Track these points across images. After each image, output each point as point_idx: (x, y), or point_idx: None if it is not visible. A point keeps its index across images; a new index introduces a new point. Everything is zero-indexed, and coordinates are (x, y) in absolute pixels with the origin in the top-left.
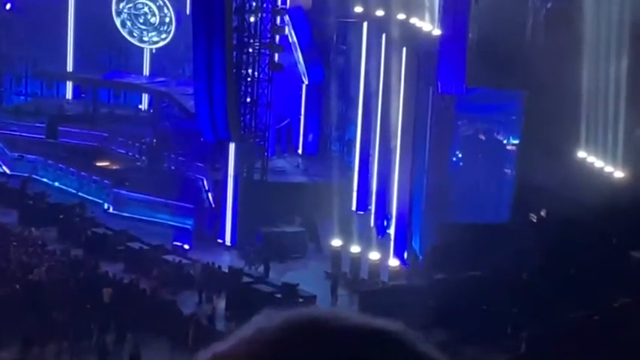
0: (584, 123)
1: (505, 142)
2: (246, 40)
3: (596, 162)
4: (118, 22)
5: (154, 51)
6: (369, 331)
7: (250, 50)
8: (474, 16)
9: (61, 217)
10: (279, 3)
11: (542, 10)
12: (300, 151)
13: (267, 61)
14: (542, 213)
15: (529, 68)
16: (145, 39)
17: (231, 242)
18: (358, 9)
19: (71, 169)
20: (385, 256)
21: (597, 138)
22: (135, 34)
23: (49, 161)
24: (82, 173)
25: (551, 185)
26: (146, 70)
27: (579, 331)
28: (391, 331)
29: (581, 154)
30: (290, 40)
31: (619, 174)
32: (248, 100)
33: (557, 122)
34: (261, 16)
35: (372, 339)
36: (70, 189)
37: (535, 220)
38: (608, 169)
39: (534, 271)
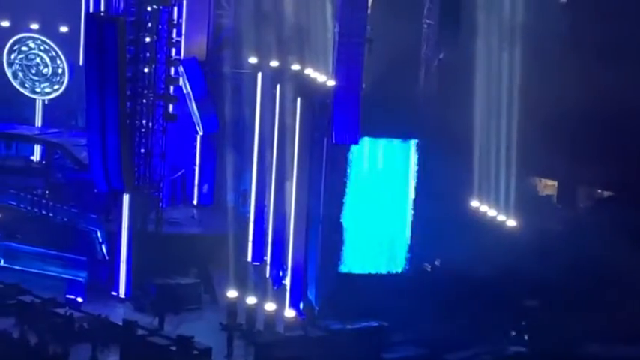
0: (477, 172)
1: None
2: (140, 90)
3: (489, 211)
4: (9, 73)
5: (46, 102)
6: None
7: (144, 101)
8: (368, 66)
9: None
10: (173, 54)
11: (435, 61)
12: (194, 202)
13: (161, 112)
14: (437, 262)
15: (422, 117)
16: (38, 90)
17: (125, 294)
18: (252, 60)
19: None
20: (281, 307)
21: (490, 187)
22: (27, 85)
23: None
24: None
25: (445, 234)
26: (38, 121)
27: None
28: None
29: (474, 203)
30: (184, 90)
31: (511, 223)
32: (142, 150)
33: (450, 171)
34: (156, 66)
35: None
36: None
37: (429, 270)
38: (501, 217)
39: (430, 320)
